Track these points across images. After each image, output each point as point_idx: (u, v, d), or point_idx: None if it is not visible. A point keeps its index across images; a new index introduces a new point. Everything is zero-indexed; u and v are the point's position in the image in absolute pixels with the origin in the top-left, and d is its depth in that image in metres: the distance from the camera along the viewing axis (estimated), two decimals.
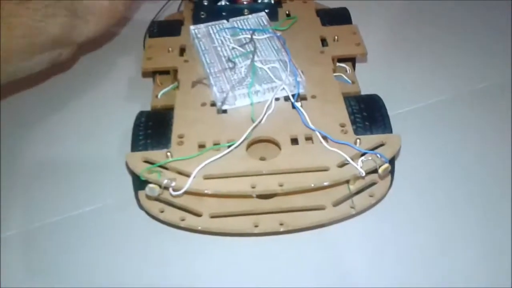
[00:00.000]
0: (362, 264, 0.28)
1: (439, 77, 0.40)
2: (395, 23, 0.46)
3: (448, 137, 0.35)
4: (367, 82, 0.36)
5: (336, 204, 0.29)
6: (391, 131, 0.30)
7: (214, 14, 0.38)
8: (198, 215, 0.29)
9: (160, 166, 0.28)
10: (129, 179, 0.31)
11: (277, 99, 0.32)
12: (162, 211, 0.30)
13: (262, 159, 0.29)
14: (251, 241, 0.30)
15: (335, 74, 0.35)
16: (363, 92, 0.35)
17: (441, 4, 0.47)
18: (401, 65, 0.41)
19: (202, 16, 0.38)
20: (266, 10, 0.38)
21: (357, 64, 0.38)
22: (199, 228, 0.29)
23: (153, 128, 0.31)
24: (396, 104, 0.37)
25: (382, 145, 0.29)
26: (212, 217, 0.29)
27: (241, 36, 0.36)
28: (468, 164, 0.33)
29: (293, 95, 0.31)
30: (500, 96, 0.38)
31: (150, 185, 0.27)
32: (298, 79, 0.32)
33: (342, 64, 0.37)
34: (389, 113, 0.31)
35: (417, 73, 0.41)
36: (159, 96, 0.36)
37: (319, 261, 0.29)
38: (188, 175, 0.28)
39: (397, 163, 0.30)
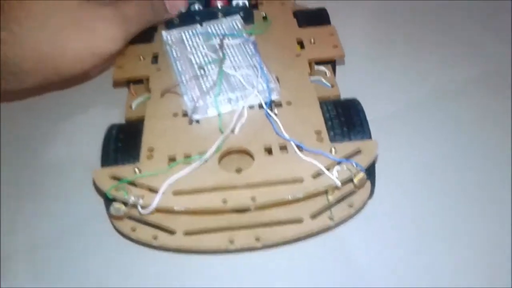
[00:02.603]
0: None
1: (422, 77, 0.39)
2: (378, 23, 0.44)
3: (431, 139, 0.34)
4: (348, 85, 0.34)
5: (314, 216, 0.28)
6: (370, 137, 0.29)
7: (187, 19, 0.37)
8: (172, 232, 0.28)
9: (129, 182, 0.27)
10: None
11: (252, 107, 0.31)
12: (134, 230, 0.28)
13: (239, 170, 0.28)
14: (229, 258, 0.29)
15: (313, 77, 0.34)
16: (343, 96, 0.33)
17: (423, 4, 0.45)
18: (384, 67, 0.40)
19: (175, 22, 0.37)
20: (241, 13, 0.37)
21: (339, 67, 0.36)
22: (173, 247, 0.27)
23: (124, 141, 0.30)
24: (378, 107, 0.36)
25: (359, 152, 0.27)
26: (186, 234, 0.28)
27: (214, 42, 0.34)
28: (452, 165, 0.32)
29: (267, 102, 0.30)
30: (481, 93, 0.37)
31: (115, 205, 0.26)
32: (271, 85, 0.31)
33: (322, 67, 0.35)
34: (371, 116, 0.29)
35: (398, 74, 0.39)
36: (133, 107, 0.34)
37: (301, 275, 0.28)
38: (156, 191, 0.26)
39: (378, 169, 0.29)
